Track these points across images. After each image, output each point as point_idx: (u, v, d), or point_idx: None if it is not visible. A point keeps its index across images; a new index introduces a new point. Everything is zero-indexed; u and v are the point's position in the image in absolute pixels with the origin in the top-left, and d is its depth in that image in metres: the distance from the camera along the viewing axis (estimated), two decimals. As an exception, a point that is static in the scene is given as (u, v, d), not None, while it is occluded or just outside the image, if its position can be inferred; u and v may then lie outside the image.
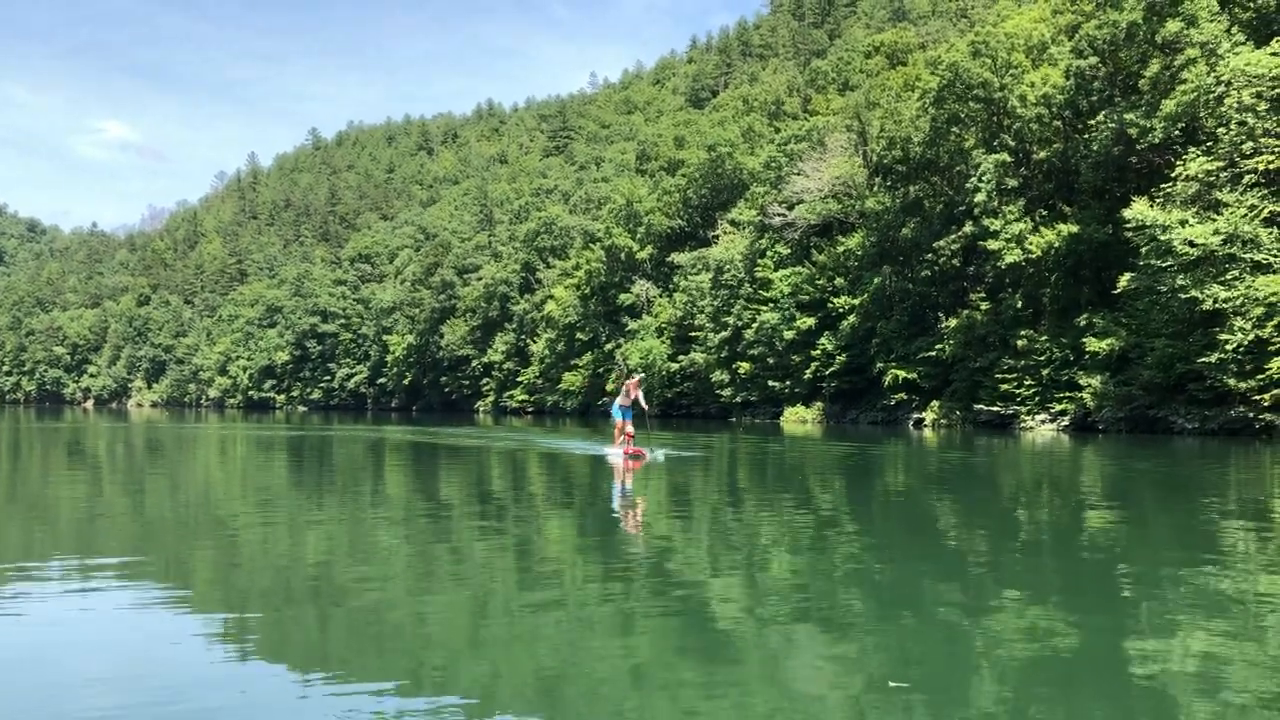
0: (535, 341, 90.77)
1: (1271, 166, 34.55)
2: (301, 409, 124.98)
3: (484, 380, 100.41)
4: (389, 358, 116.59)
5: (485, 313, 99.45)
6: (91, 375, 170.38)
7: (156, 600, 7.09)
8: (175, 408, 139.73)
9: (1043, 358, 42.26)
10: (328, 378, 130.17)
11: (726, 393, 63.57)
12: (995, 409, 43.86)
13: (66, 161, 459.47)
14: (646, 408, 24.74)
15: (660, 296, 76.24)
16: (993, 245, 44.16)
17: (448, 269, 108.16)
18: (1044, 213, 44.77)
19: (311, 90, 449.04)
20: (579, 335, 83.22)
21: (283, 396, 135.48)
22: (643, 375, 27.46)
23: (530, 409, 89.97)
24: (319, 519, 12.21)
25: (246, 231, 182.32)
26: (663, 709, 4.59)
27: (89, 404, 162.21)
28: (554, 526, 11.59)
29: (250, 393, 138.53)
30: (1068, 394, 41.09)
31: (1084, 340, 39.67)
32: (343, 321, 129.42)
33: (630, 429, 23.93)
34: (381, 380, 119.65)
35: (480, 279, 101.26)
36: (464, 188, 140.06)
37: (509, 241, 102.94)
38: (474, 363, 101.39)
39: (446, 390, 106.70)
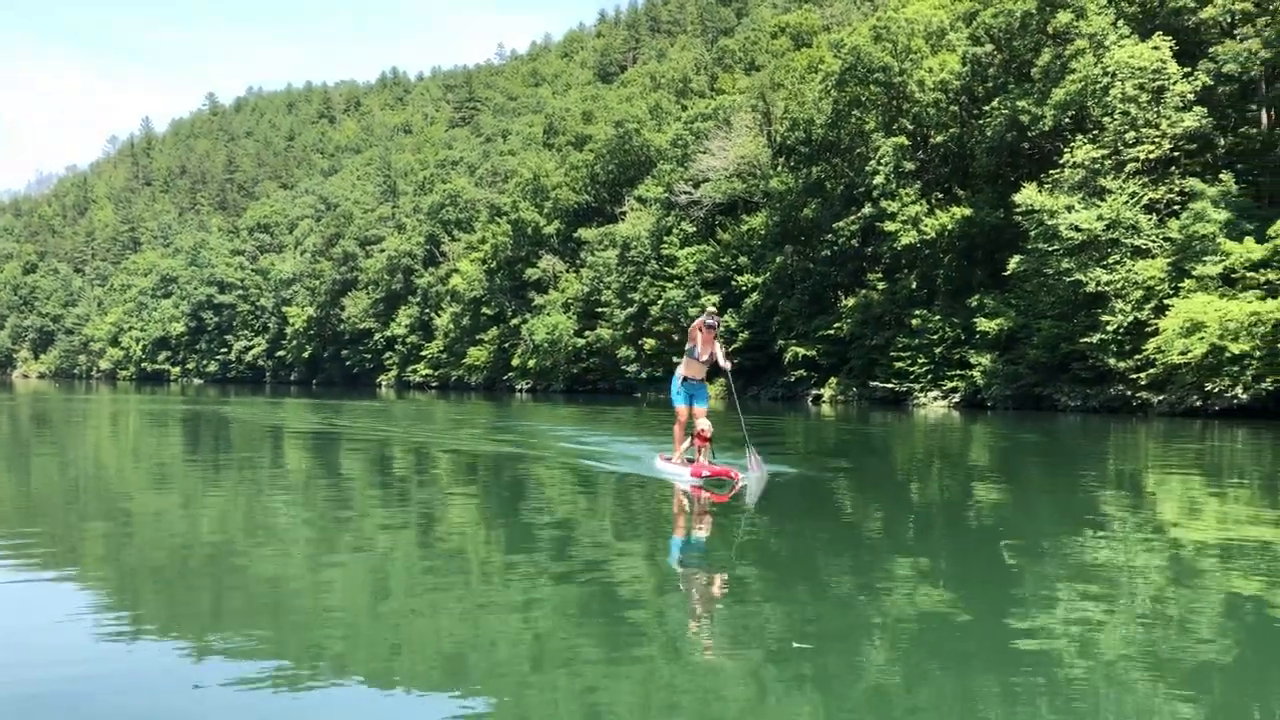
0: (440, 315, 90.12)
1: (1151, 156, 36.14)
2: (197, 381, 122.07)
3: (386, 354, 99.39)
4: (288, 330, 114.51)
5: (388, 285, 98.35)
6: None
7: (41, 576, 7.01)
8: (64, 379, 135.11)
9: (936, 337, 43.58)
10: (224, 350, 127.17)
11: (632, 369, 64.04)
12: (890, 386, 45.08)
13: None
14: (727, 365, 13.61)
15: (567, 272, 76.32)
16: (890, 227, 45.28)
17: (349, 240, 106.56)
18: (939, 196, 46.05)
19: (209, 54, 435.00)
20: (484, 310, 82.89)
21: (177, 369, 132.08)
22: (715, 321, 13.40)
23: (434, 384, 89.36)
24: (215, 494, 12.23)
25: (140, 199, 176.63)
26: (565, 681, 4.74)
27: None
28: (458, 504, 11.79)
29: (143, 364, 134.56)
30: (959, 372, 42.47)
31: (975, 320, 41.02)
32: (240, 292, 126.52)
33: (705, 425, 13.01)
34: (280, 353, 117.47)
35: (383, 251, 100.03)
36: (367, 157, 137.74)
37: (413, 213, 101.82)
38: (376, 336, 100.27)
39: (348, 364, 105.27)
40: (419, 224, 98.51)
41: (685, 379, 13.56)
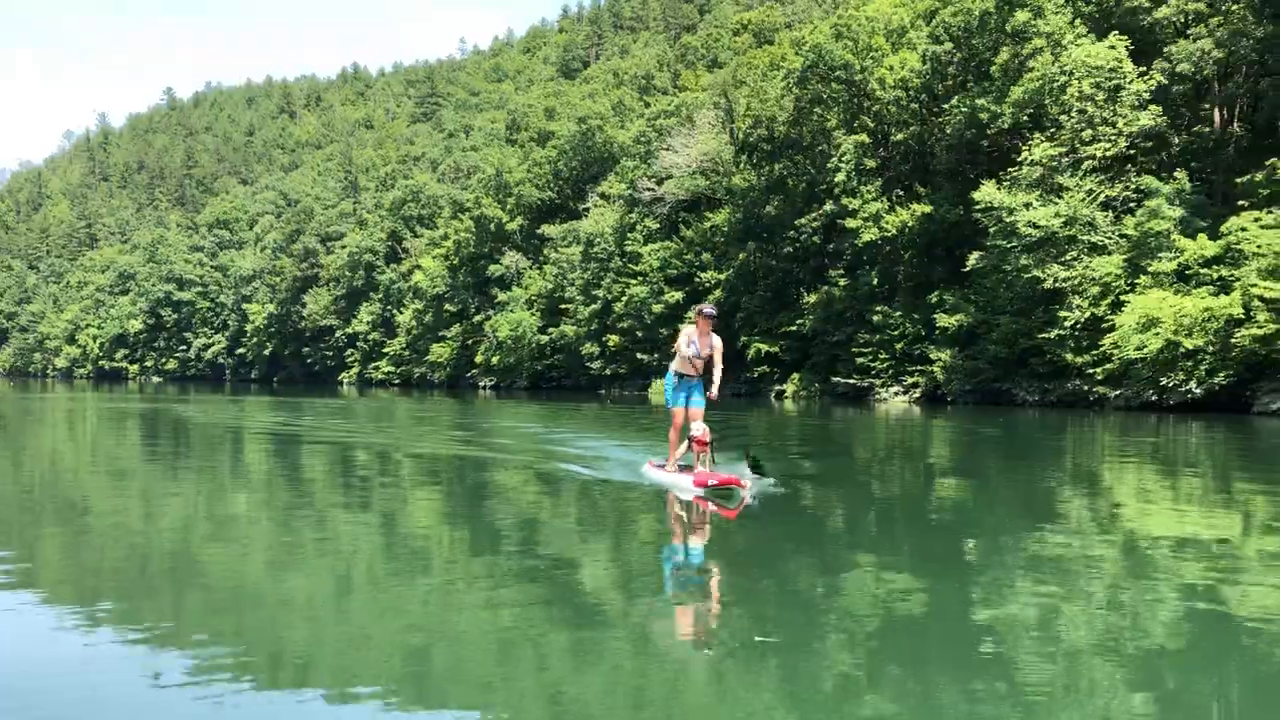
0: (402, 312, 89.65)
1: (1108, 153, 36.66)
2: (156, 380, 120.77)
3: (348, 351, 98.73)
4: (248, 327, 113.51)
5: (350, 282, 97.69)
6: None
7: None
8: (18, 378, 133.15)
9: (896, 332, 43.99)
10: (184, 348, 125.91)
11: (596, 365, 64.04)
12: (852, 381, 45.44)
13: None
14: (717, 376, 12.00)
15: (530, 268, 76.16)
16: (851, 224, 45.61)
17: (310, 236, 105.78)
18: (900, 193, 46.40)
19: (166, 48, 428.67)
20: (447, 306, 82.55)
21: (135, 367, 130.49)
22: (714, 310, 12.24)
23: (397, 381, 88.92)
24: (174, 494, 12.14)
25: (96, 194, 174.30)
26: (531, 678, 4.74)
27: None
28: (420, 500, 11.78)
29: (101, 363, 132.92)
30: (919, 367, 42.90)
31: (935, 316, 41.45)
32: (200, 289, 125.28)
33: (702, 428, 11.69)
34: (241, 350, 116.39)
35: (344, 247, 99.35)
36: (328, 153, 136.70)
37: (375, 209, 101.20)
38: (338, 333, 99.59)
39: (309, 361, 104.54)
40: (381, 220, 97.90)
41: (681, 376, 12.20)
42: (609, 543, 8.44)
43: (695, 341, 11.88)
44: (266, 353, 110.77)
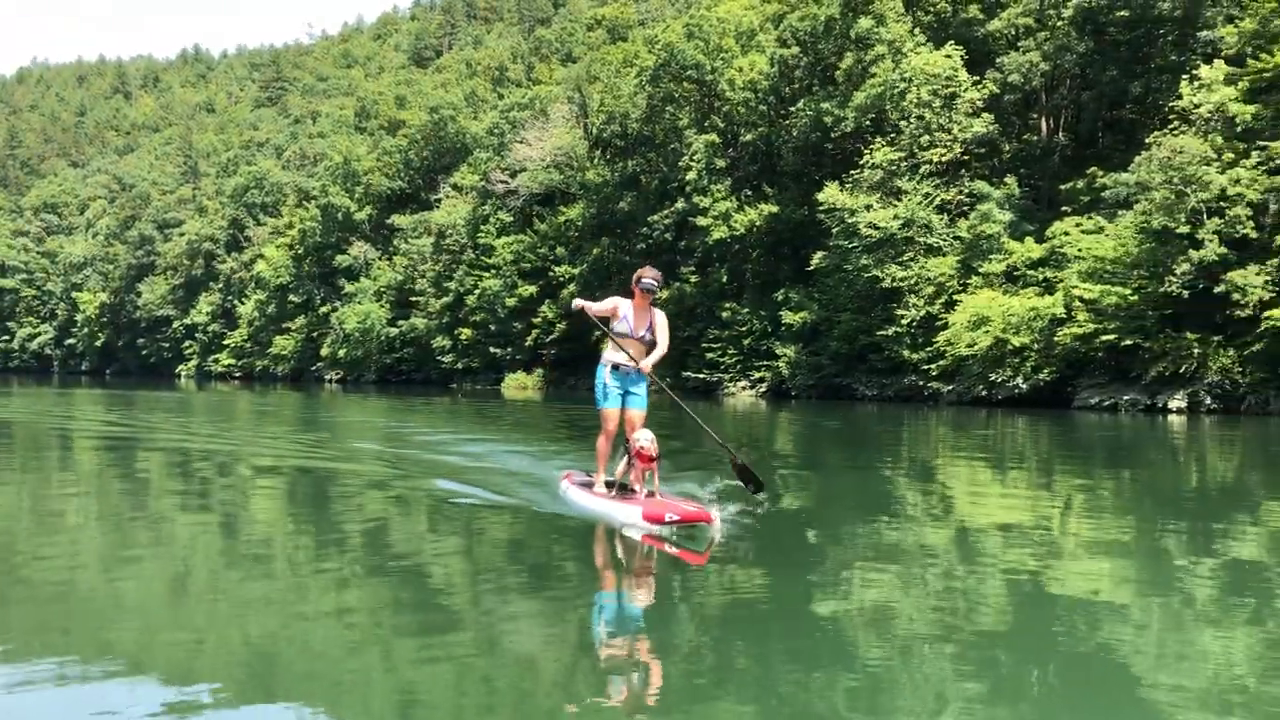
0: (244, 303, 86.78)
1: (944, 158, 38.31)
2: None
3: (186, 343, 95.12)
4: (79, 317, 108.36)
5: (188, 271, 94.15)
6: None
7: None
8: None
9: (744, 328, 45.01)
10: (6, 338, 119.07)
11: (448, 359, 63.37)
12: (702, 376, 46.27)
13: None
14: (662, 347, 9.06)
15: (379, 259, 74.74)
16: (702, 222, 46.40)
17: (146, 223, 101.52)
18: (749, 193, 47.39)
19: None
20: (291, 297, 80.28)
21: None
22: (655, 282, 8.87)
23: (238, 374, 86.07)
24: None
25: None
26: (380, 677, 4.67)
27: None
28: (263, 495, 11.55)
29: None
30: (766, 362, 43.97)
31: (781, 313, 42.55)
32: (24, 276, 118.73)
33: (647, 438, 8.66)
34: (70, 341, 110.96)
35: (183, 235, 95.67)
36: (166, 136, 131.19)
37: (215, 196, 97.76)
38: (175, 324, 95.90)
39: (145, 353, 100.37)
40: (222, 207, 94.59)
41: (615, 366, 9.14)
42: (455, 530, 8.44)
43: (630, 318, 8.92)
44: (99, 344, 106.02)
